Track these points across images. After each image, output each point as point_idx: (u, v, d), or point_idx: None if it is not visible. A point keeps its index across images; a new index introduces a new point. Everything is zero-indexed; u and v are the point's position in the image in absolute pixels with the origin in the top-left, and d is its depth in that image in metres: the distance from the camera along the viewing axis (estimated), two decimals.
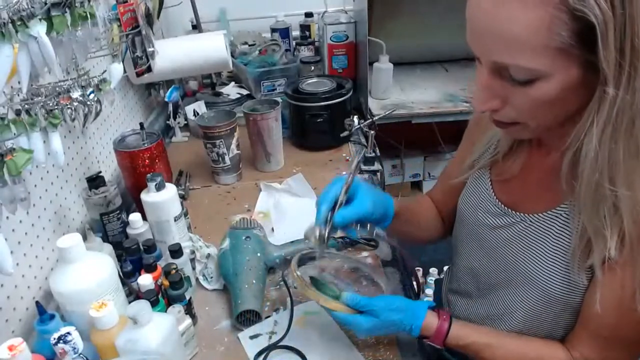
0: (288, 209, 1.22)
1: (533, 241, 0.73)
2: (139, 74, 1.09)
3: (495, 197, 0.79)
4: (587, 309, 0.68)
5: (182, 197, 1.24)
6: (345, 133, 1.46)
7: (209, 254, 1.02)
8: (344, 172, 0.95)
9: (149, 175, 0.98)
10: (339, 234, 1.06)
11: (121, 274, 0.84)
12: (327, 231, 0.76)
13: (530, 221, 0.73)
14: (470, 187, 0.85)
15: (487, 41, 0.56)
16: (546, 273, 0.71)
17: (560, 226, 0.69)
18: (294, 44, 1.94)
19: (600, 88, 0.54)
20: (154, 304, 0.78)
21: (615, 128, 0.55)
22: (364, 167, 1.37)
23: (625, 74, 0.52)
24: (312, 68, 1.72)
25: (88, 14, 0.74)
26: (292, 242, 1.04)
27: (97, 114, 0.86)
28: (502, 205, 0.78)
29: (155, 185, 0.97)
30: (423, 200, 1.01)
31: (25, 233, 0.85)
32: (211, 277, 1.00)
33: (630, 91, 0.53)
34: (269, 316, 0.92)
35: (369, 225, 0.80)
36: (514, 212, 0.76)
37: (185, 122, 1.63)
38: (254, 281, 0.92)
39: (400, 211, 0.87)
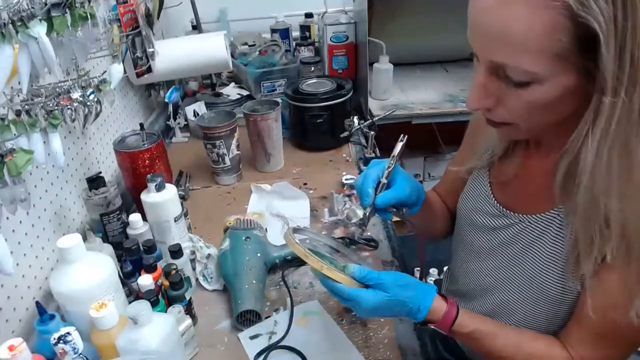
0: (280, 210, 1.22)
1: (531, 242, 0.73)
2: (139, 75, 1.09)
3: (493, 199, 0.80)
4: (581, 308, 0.69)
5: (182, 198, 1.25)
6: (345, 133, 1.46)
7: (209, 254, 1.02)
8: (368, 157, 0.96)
9: (149, 175, 0.98)
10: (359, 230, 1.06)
11: (121, 274, 0.84)
12: (368, 213, 0.77)
13: (528, 222, 0.73)
14: (469, 188, 0.86)
15: (487, 40, 0.56)
16: (543, 274, 0.71)
17: (557, 227, 0.69)
18: (294, 44, 1.94)
19: (596, 96, 0.54)
20: (154, 304, 0.78)
21: (613, 141, 0.55)
22: (363, 168, 1.37)
23: (623, 86, 0.52)
24: (312, 68, 1.72)
25: (88, 14, 0.74)
26: None
27: (97, 115, 0.86)
28: (500, 207, 0.78)
29: (155, 185, 0.97)
30: (432, 193, 1.02)
31: (25, 233, 0.85)
32: (211, 278, 1.00)
33: (628, 103, 0.52)
34: (269, 316, 0.92)
35: (403, 209, 0.80)
36: (511, 213, 0.76)
37: (185, 122, 1.64)
38: (254, 281, 0.92)
39: (425, 200, 0.87)
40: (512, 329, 0.76)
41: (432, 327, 0.73)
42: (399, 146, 0.78)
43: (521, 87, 0.57)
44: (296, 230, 0.85)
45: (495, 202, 0.79)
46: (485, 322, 0.75)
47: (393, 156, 0.78)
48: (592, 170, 0.58)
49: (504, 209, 0.77)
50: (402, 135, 0.79)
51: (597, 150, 0.56)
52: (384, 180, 0.77)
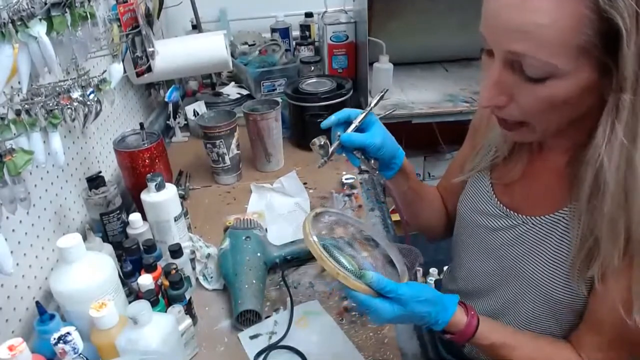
0: (281, 209, 1.22)
1: (535, 244, 0.72)
2: (139, 74, 1.09)
3: (496, 199, 0.79)
4: (591, 312, 0.68)
5: (182, 197, 1.25)
6: None
7: (209, 254, 1.02)
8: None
9: (149, 175, 0.98)
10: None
11: (121, 274, 0.84)
12: (333, 146, 0.76)
13: (533, 223, 0.73)
14: (470, 189, 0.85)
15: (507, 31, 0.55)
16: (547, 277, 0.70)
17: (562, 229, 0.69)
18: (294, 44, 1.94)
19: (614, 95, 0.53)
20: (154, 304, 0.78)
21: (633, 140, 0.54)
22: (363, 168, 1.37)
23: None
24: (312, 68, 1.72)
25: (88, 14, 0.74)
26: (292, 241, 1.05)
27: (97, 114, 0.86)
28: (504, 207, 0.77)
29: (155, 185, 0.97)
30: (433, 189, 1.00)
31: (25, 233, 0.85)
32: (211, 277, 1.00)
33: None
34: (269, 316, 0.92)
35: (372, 161, 0.78)
36: (515, 214, 0.75)
37: (185, 122, 1.63)
38: (254, 281, 0.92)
39: (408, 173, 0.85)
40: (526, 337, 0.74)
41: (448, 337, 0.71)
42: (377, 97, 0.78)
43: (537, 82, 0.56)
44: (318, 214, 0.79)
45: (499, 203, 0.78)
46: (502, 332, 0.73)
47: (369, 104, 0.77)
48: (614, 171, 0.56)
49: (508, 210, 0.77)
50: (384, 88, 0.79)
51: (620, 151, 0.55)
52: (356, 123, 0.76)
